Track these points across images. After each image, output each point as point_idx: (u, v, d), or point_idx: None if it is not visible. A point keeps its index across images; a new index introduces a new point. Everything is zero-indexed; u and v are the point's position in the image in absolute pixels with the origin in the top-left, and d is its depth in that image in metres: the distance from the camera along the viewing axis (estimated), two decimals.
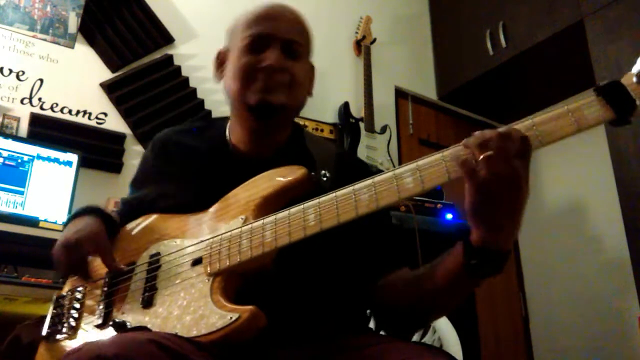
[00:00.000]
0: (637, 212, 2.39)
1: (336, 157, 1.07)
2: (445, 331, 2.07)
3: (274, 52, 0.98)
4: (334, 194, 0.81)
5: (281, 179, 0.90)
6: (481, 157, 0.70)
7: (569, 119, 0.71)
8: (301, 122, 2.14)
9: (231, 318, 0.76)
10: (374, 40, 3.38)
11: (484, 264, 0.76)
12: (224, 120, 1.12)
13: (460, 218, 2.54)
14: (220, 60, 1.10)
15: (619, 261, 2.85)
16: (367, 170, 1.11)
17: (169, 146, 1.10)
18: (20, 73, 2.33)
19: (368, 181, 0.79)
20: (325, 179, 0.96)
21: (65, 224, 1.04)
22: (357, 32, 3.38)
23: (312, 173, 0.92)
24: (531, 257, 3.44)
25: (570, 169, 3.09)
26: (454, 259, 0.80)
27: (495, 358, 3.22)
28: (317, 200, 0.82)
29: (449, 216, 2.52)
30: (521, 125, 0.73)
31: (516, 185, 0.71)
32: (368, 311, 1.04)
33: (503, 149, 0.70)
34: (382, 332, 1.01)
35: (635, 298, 2.36)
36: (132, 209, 1.09)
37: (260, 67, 0.98)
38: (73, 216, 1.05)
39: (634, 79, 0.70)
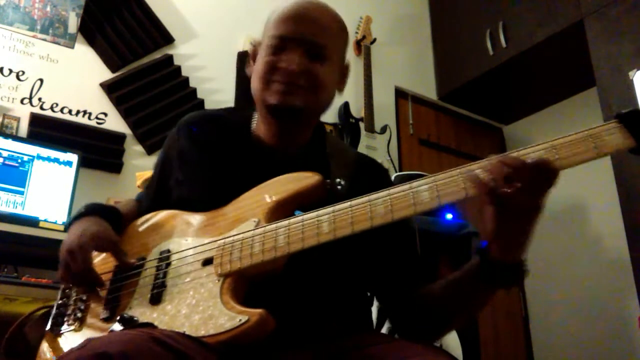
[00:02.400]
0: (637, 212, 2.39)
1: (355, 164, 1.06)
2: None
3: (296, 54, 0.97)
4: (349, 203, 0.81)
5: (296, 184, 0.90)
6: (511, 190, 0.71)
7: (590, 144, 0.71)
8: None
9: (240, 320, 0.75)
10: (374, 40, 3.38)
11: (510, 276, 0.82)
12: (249, 111, 1.11)
13: (460, 218, 2.54)
14: (252, 54, 1.08)
15: (619, 261, 2.85)
16: (385, 178, 1.11)
17: (194, 128, 1.09)
18: (20, 73, 2.33)
19: (384, 192, 0.79)
20: (340, 187, 0.95)
21: (67, 228, 1.01)
22: (357, 32, 3.37)
23: (327, 180, 0.91)
24: (531, 257, 3.43)
25: (571, 169, 3.08)
26: (475, 276, 0.82)
27: (495, 358, 3.22)
28: (332, 208, 0.82)
29: (449, 216, 2.51)
30: (540, 147, 0.73)
31: (539, 212, 0.74)
32: (370, 309, 1.04)
33: (534, 183, 0.71)
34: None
35: (635, 298, 2.36)
36: (150, 196, 1.11)
37: (281, 69, 0.97)
38: (74, 219, 1.01)
39: None
